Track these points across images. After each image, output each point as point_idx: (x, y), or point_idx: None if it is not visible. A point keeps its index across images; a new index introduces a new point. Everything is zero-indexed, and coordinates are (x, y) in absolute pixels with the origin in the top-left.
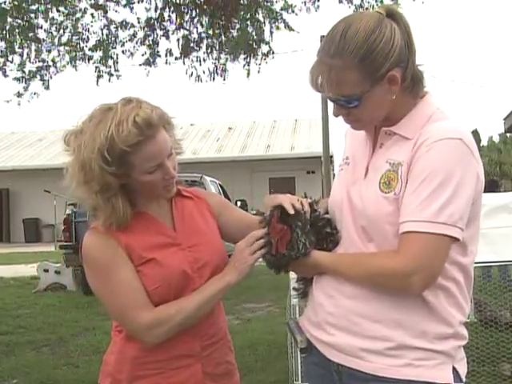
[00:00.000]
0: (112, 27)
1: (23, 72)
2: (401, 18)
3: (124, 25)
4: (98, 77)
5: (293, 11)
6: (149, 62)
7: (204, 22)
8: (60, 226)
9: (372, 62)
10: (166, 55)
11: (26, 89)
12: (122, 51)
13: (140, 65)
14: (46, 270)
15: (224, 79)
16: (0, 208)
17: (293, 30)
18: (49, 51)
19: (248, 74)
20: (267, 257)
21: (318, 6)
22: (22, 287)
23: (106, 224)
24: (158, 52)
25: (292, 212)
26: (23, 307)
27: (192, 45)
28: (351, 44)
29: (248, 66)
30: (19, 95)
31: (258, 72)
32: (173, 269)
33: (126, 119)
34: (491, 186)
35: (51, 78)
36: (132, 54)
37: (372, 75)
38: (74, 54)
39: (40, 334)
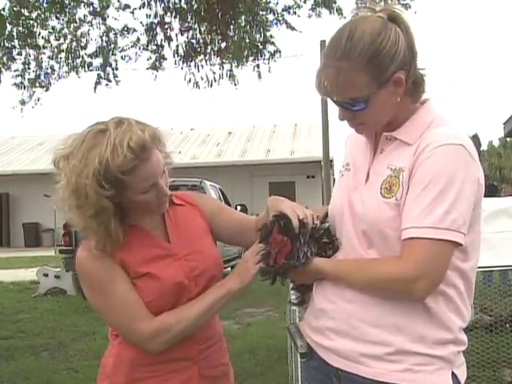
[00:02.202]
0: (111, 34)
1: (23, 78)
2: (402, 21)
3: (126, 30)
4: (96, 84)
5: (294, 13)
6: (155, 67)
7: (203, 29)
8: (60, 230)
9: (379, 64)
10: (173, 56)
11: (30, 97)
12: (121, 57)
13: (147, 69)
14: (46, 275)
15: (235, 84)
16: (0, 212)
17: (295, 30)
18: (50, 58)
19: (259, 75)
20: (265, 267)
21: (320, 13)
22: (21, 292)
23: (98, 246)
24: (163, 56)
25: (296, 223)
26: (23, 312)
27: (193, 50)
28: (358, 46)
29: (258, 68)
30: (23, 103)
31: (269, 71)
32: (168, 281)
33: (120, 144)
34: (491, 191)
35: (50, 83)
36: (130, 58)
37: (379, 77)
38: (74, 61)
39: (40, 338)
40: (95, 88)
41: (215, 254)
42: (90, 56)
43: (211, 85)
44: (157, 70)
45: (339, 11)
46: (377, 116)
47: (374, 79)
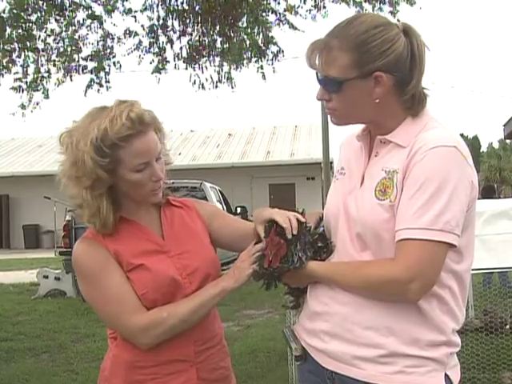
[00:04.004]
0: (108, 39)
1: (21, 82)
2: (415, 35)
3: (128, 33)
4: (87, 87)
5: (296, 12)
6: (159, 70)
7: (205, 31)
8: (60, 232)
9: (365, 53)
10: (174, 59)
11: (30, 99)
12: (113, 63)
13: (152, 73)
14: (46, 277)
15: (232, 87)
16: (0, 214)
17: (297, 30)
18: (48, 61)
19: (263, 76)
20: (259, 270)
21: (326, 13)
22: (21, 293)
23: (89, 222)
24: (166, 58)
25: (289, 227)
26: (23, 314)
27: (197, 52)
28: (352, 30)
29: (261, 69)
30: (23, 107)
31: (274, 72)
32: (161, 274)
33: (120, 115)
34: (489, 192)
35: (47, 89)
36: (121, 66)
37: (361, 67)
38: (69, 64)
39: (39, 340)
40: (86, 91)
41: (211, 254)
42: (84, 59)
43: (216, 86)
44: (160, 73)
45: (359, 4)
46: (348, 106)
47: (355, 66)
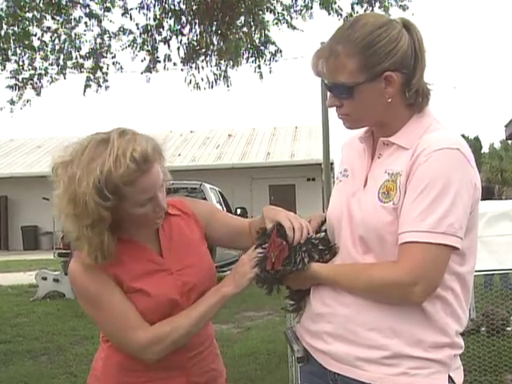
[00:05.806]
0: (105, 37)
1: (17, 80)
2: (415, 31)
3: (122, 31)
4: (86, 86)
5: (295, 11)
6: (149, 69)
7: (202, 30)
8: (59, 233)
9: (372, 55)
10: (164, 60)
11: (20, 97)
12: (113, 63)
13: (141, 73)
14: (45, 278)
15: (227, 86)
16: None
17: (296, 29)
18: (44, 59)
19: (261, 76)
20: (260, 273)
21: (311, 14)
22: (20, 295)
23: (90, 256)
24: (157, 58)
25: (291, 236)
26: (21, 315)
27: (193, 51)
28: (357, 33)
29: (259, 68)
30: (12, 102)
31: (270, 72)
32: (160, 297)
33: (124, 154)
34: (488, 193)
35: (42, 86)
36: (122, 68)
37: (369, 69)
38: (65, 62)
39: (38, 342)
40: (84, 91)
41: (209, 264)
42: (82, 57)
43: (212, 86)
44: (150, 72)
45: (338, 12)
46: (362, 110)
47: (364, 70)
